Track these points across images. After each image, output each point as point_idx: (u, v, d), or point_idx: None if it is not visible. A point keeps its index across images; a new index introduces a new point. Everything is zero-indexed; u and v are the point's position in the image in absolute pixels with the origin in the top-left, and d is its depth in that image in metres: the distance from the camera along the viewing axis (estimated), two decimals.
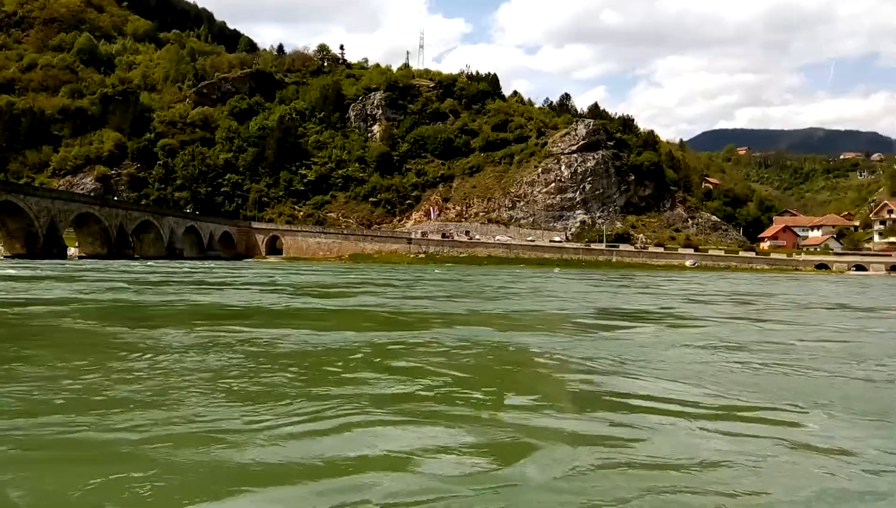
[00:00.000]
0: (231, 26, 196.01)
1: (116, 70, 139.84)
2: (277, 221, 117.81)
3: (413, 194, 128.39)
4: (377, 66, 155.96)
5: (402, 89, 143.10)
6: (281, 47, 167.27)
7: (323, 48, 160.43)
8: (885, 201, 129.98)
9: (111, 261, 59.66)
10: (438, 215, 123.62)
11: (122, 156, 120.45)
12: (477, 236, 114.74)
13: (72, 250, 74.00)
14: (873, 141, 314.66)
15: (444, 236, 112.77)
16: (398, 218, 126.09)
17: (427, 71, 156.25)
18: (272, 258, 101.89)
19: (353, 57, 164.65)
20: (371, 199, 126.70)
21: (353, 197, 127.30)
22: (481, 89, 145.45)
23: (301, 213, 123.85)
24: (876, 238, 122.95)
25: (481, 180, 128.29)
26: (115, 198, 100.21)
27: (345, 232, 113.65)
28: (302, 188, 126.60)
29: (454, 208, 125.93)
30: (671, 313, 17.43)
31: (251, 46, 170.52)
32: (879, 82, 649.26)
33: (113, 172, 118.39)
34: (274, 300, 18.04)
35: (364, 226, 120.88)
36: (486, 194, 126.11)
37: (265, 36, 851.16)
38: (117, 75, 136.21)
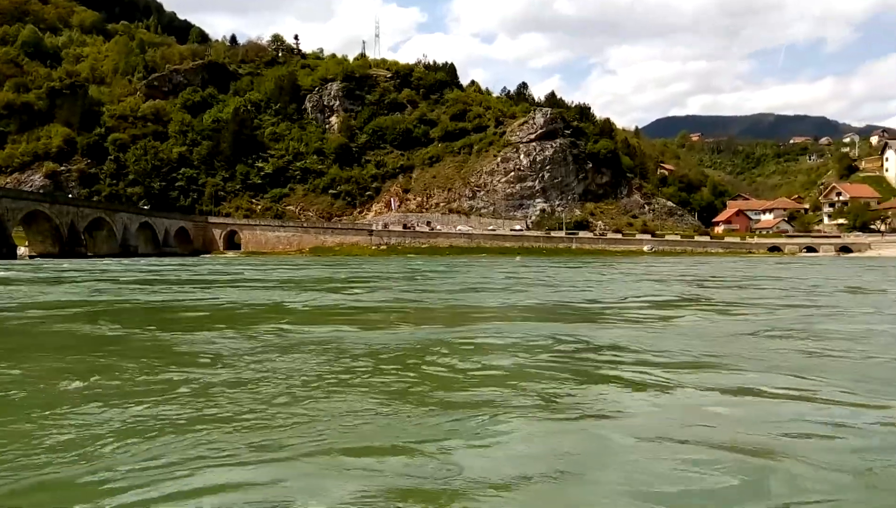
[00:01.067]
0: (181, 17, 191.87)
1: (63, 63, 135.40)
2: (235, 215, 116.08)
3: (373, 186, 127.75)
4: (333, 56, 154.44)
5: (359, 80, 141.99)
6: (234, 38, 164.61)
7: (277, 38, 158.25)
8: (834, 184, 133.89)
9: (62, 260, 58.09)
10: (399, 206, 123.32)
11: (71, 152, 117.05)
12: (438, 227, 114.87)
13: (22, 250, 71.72)
14: (821, 125, 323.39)
15: (405, 227, 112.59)
16: (359, 210, 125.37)
17: (384, 61, 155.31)
18: (230, 253, 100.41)
19: (307, 47, 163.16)
20: (331, 191, 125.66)
21: (312, 189, 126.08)
22: (439, 79, 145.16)
23: (259, 206, 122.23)
24: (826, 220, 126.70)
25: (441, 171, 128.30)
26: (66, 195, 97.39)
27: (305, 225, 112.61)
28: (259, 181, 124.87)
29: (415, 199, 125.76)
30: (703, 298, 17.62)
31: (203, 37, 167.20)
32: (826, 67, 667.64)
33: (62, 168, 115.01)
34: (300, 298, 17.79)
35: (324, 219, 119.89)
36: (447, 185, 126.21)
37: (217, 26, 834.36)
38: (64, 68, 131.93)
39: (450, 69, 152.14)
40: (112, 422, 4.86)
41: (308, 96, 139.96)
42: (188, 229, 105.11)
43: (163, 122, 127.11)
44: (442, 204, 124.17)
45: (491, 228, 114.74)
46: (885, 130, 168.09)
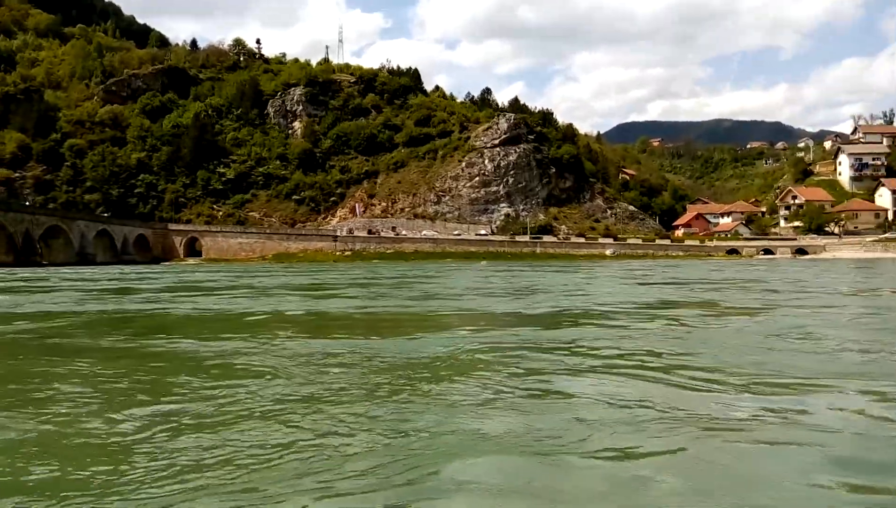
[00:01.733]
0: (141, 21, 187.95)
1: (18, 67, 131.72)
2: (196, 221, 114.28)
3: (337, 191, 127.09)
4: (296, 61, 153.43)
5: (323, 85, 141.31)
6: (194, 42, 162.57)
7: (239, 43, 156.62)
8: (790, 188, 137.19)
9: (17, 269, 56.60)
10: (364, 211, 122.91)
11: (26, 158, 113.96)
12: (404, 232, 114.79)
13: None
14: (776, 130, 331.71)
15: (370, 232, 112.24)
16: (323, 216, 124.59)
17: (347, 66, 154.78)
18: (192, 260, 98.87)
19: (270, 52, 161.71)
20: (294, 197, 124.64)
21: (276, 195, 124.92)
22: (403, 84, 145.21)
23: (221, 213, 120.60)
24: (782, 223, 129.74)
25: (406, 176, 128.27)
26: (21, 202, 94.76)
27: (267, 231, 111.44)
28: (221, 187, 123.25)
29: (380, 205, 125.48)
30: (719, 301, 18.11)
31: (163, 42, 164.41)
32: (780, 74, 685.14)
33: (17, 174, 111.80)
34: (325, 306, 17.72)
35: (287, 225, 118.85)
36: (412, 190, 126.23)
37: (178, 30, 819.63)
38: (19, 73, 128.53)
39: (414, 74, 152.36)
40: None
41: (270, 101, 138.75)
42: (147, 237, 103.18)
43: (121, 127, 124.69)
44: (407, 209, 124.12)
45: (456, 232, 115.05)
46: (837, 134, 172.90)
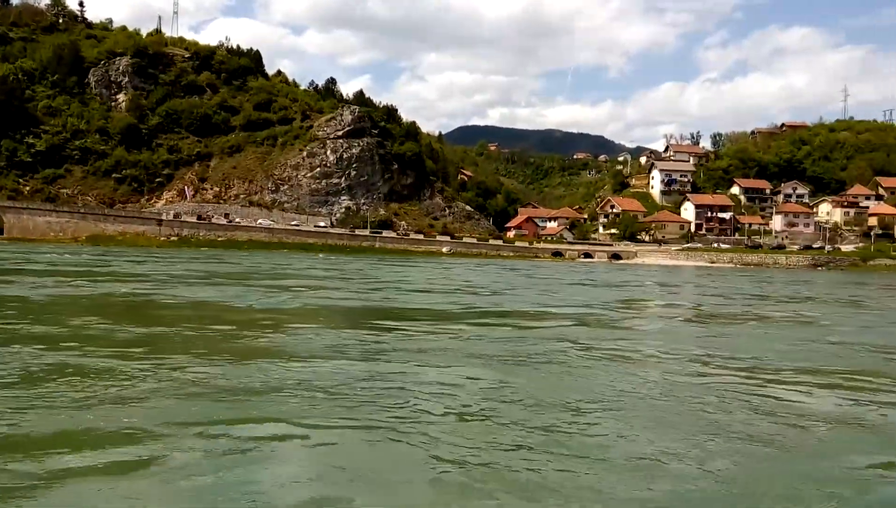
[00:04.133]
0: None
1: None
2: None
3: (164, 172, 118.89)
4: (124, 28, 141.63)
5: (153, 57, 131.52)
6: None
7: (58, 3, 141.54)
8: (609, 198, 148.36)
9: None
10: (195, 195, 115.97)
11: None
12: (237, 219, 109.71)
13: None
14: (600, 144, 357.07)
15: (200, 218, 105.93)
16: (147, 198, 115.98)
17: (182, 40, 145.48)
18: None
19: (94, 16, 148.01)
20: (115, 175, 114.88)
21: (93, 172, 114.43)
22: (243, 65, 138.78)
23: (28, 188, 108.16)
24: (601, 229, 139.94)
25: (242, 161, 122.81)
26: None
27: (82, 211, 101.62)
28: (29, 160, 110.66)
29: (212, 189, 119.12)
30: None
31: None
32: (607, 92, 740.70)
33: None
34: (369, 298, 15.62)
35: (106, 205, 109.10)
36: (248, 176, 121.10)
37: None
38: None
39: (255, 56, 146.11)
40: None
41: (93, 70, 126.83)
42: None
43: None
44: (242, 196, 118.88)
45: (294, 223, 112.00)
46: (651, 151, 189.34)
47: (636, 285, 33.57)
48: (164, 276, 25.61)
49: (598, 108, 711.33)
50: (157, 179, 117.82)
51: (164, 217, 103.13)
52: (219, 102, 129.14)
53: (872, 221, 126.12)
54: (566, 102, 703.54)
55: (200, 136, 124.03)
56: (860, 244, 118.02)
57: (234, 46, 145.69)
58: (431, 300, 19.85)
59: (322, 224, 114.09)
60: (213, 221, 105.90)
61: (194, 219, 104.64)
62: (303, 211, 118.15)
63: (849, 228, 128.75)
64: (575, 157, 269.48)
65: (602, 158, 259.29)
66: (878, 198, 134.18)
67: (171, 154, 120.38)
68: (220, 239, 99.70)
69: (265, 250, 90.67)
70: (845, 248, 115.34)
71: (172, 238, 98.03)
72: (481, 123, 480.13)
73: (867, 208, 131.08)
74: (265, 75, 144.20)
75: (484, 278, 34.73)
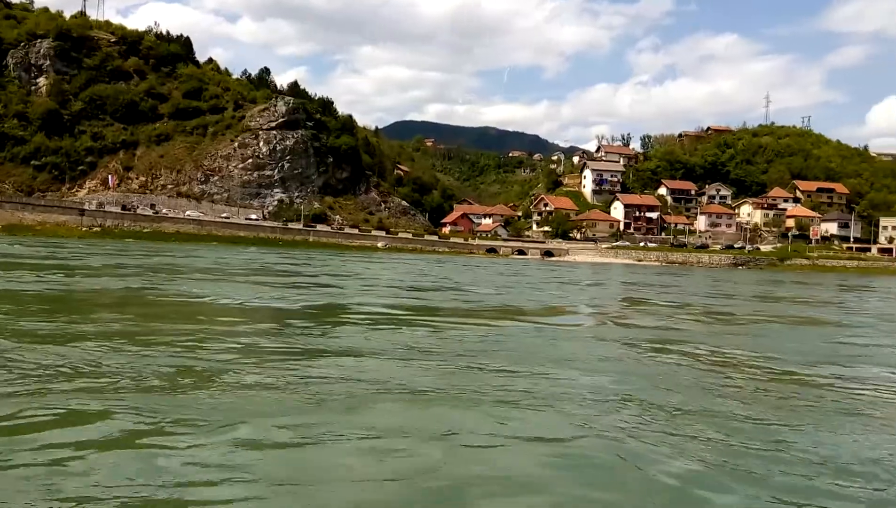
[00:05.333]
0: None
1: None
2: None
3: (87, 160, 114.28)
4: (45, 10, 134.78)
5: (77, 40, 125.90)
6: None
7: None
8: (542, 196, 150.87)
9: None
10: (119, 185, 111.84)
11: None
12: (164, 211, 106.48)
13: None
14: (535, 143, 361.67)
15: (124, 208, 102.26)
16: (68, 186, 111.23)
17: (108, 23, 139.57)
18: None
19: None
20: (34, 162, 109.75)
21: (10, 158, 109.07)
22: (172, 51, 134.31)
23: None
24: (535, 227, 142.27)
25: (170, 150, 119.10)
26: None
27: None
28: None
29: (138, 179, 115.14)
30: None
31: None
32: (543, 92, 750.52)
33: None
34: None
35: (24, 193, 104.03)
36: (176, 166, 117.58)
37: None
38: None
39: (186, 42, 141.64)
40: None
41: (11, 52, 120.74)
42: None
43: None
44: (170, 186, 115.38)
45: (224, 215, 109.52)
46: (584, 151, 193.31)
47: (566, 282, 34.38)
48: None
49: (534, 108, 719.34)
50: (80, 168, 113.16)
51: (86, 207, 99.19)
52: (146, 88, 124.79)
53: (790, 222, 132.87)
54: (503, 102, 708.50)
55: (126, 123, 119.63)
56: (778, 245, 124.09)
57: (164, 32, 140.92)
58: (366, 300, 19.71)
59: (254, 217, 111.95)
60: (139, 211, 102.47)
61: (118, 209, 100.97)
62: (234, 203, 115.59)
63: (768, 228, 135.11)
64: (510, 155, 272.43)
65: (537, 156, 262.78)
66: (796, 201, 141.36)
67: (95, 141, 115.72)
68: (145, 230, 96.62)
69: (194, 242, 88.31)
70: (764, 248, 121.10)
71: (95, 229, 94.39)
72: (419, 118, 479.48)
73: (785, 210, 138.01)
74: (196, 63, 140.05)
75: (417, 276, 34.80)
